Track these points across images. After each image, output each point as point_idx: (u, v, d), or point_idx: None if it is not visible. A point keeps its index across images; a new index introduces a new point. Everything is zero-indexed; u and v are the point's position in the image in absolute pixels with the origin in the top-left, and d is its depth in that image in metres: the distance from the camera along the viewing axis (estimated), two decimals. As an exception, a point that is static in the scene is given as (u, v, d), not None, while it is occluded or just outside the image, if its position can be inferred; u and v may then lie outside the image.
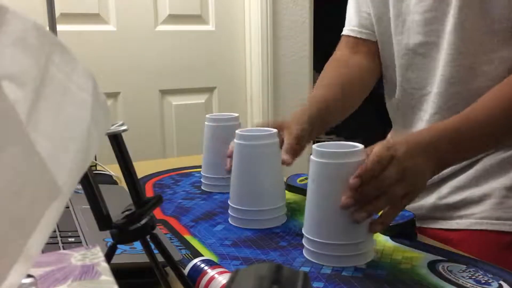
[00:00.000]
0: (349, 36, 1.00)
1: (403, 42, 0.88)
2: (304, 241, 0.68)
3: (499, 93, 0.73)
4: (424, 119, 0.87)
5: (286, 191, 0.88)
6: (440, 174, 0.84)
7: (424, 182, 0.67)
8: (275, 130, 0.80)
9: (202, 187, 0.99)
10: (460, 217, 0.83)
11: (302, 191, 0.92)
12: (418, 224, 0.78)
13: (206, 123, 0.98)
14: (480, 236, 0.80)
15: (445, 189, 0.85)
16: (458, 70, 0.80)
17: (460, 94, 0.81)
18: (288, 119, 0.88)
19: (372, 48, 0.97)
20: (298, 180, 0.99)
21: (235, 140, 0.80)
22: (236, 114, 0.98)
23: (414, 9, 0.84)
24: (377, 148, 0.64)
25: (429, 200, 0.86)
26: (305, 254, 0.67)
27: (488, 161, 0.82)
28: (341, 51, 1.01)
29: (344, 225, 0.64)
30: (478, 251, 0.71)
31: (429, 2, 0.82)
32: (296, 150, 0.81)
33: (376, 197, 0.63)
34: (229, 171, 0.84)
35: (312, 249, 0.66)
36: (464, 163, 0.83)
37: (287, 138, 0.82)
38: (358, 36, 0.98)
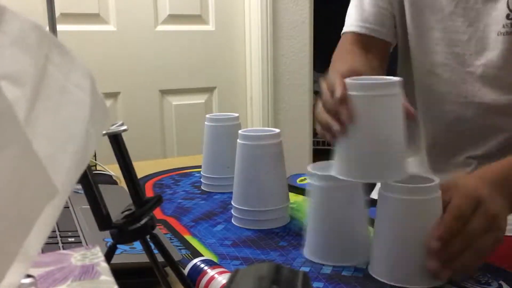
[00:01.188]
0: (358, 33, 0.91)
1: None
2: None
3: None
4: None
5: (286, 191, 0.88)
6: None
7: (506, 222, 0.60)
8: (278, 130, 0.79)
9: (202, 187, 0.99)
10: None
11: (302, 191, 0.92)
12: None
13: (206, 123, 0.98)
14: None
15: None
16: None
17: None
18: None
19: (384, 48, 0.92)
20: (298, 180, 0.99)
21: (238, 141, 0.79)
22: (236, 114, 0.98)
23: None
24: (457, 198, 0.57)
25: None
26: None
27: None
28: (351, 47, 0.92)
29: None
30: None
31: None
32: None
33: (462, 251, 0.56)
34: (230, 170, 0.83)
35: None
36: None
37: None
38: (372, 34, 0.90)
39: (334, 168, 0.62)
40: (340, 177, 0.61)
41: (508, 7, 0.76)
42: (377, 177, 0.61)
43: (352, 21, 0.93)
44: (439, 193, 0.57)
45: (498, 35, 0.77)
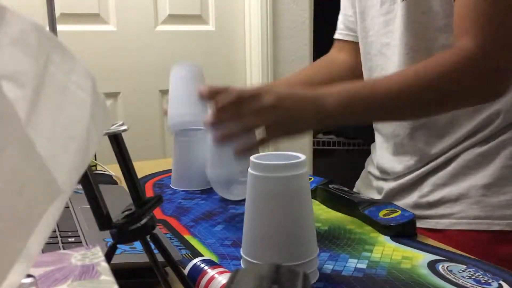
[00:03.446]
0: (337, 39, 1.08)
1: (368, 43, 0.92)
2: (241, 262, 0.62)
3: (412, 66, 0.76)
4: None
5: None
6: (422, 170, 0.86)
7: (302, 121, 0.71)
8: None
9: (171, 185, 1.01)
10: (440, 216, 0.84)
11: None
12: None
13: (176, 137, 1.01)
14: (459, 236, 0.81)
15: (426, 187, 0.86)
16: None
17: None
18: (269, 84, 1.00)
19: (357, 48, 1.02)
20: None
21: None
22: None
23: (377, 12, 0.88)
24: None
25: (412, 198, 0.87)
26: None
27: (467, 156, 0.82)
28: (330, 53, 1.11)
29: (279, 243, 0.57)
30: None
31: (386, 5, 0.85)
32: None
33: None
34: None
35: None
36: (442, 158, 0.84)
37: None
38: (345, 38, 1.05)
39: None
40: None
41: None
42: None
43: (336, 32, 1.09)
44: (302, 171, 0.58)
45: (401, 1, 0.81)
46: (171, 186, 1.02)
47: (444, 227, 0.83)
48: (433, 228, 0.84)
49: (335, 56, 1.08)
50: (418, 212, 0.84)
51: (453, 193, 0.82)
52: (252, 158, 0.60)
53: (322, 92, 0.72)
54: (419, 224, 0.83)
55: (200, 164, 0.95)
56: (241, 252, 0.62)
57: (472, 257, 0.67)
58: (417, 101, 0.73)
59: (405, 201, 0.87)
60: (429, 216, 0.85)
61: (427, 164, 0.86)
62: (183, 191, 0.98)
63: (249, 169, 0.60)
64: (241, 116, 0.69)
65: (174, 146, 1.01)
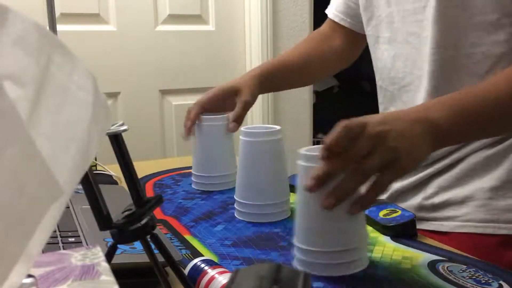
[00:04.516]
0: (332, 20, 1.07)
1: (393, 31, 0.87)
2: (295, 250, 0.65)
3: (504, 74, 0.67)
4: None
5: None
6: (427, 172, 0.83)
7: (417, 151, 0.58)
8: (278, 127, 0.82)
9: (193, 186, 1.00)
10: (445, 218, 0.82)
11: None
12: None
13: (196, 122, 0.99)
14: (464, 239, 0.79)
15: (430, 188, 0.84)
16: (439, 65, 0.78)
17: (440, 89, 0.78)
18: (240, 81, 0.99)
19: (350, 36, 1.04)
20: (298, 180, 0.99)
21: (240, 137, 0.83)
22: (226, 114, 0.99)
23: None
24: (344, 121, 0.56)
25: (416, 200, 0.85)
26: (295, 263, 0.65)
27: (473, 159, 0.80)
28: (323, 29, 1.11)
29: (331, 231, 0.60)
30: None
31: None
32: (242, 117, 0.95)
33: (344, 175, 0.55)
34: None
35: (302, 257, 0.63)
36: (448, 160, 0.81)
37: (238, 106, 0.95)
38: (341, 23, 1.05)
39: None
40: None
41: None
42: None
43: (331, 7, 1.08)
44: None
45: None
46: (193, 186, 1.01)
47: (449, 230, 0.81)
48: (438, 230, 0.82)
49: (330, 35, 1.09)
50: (422, 214, 0.83)
51: (458, 195, 0.80)
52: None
53: (426, 109, 0.62)
54: (424, 226, 0.83)
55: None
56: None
57: (472, 257, 0.67)
58: None
59: (409, 203, 0.86)
60: (434, 218, 0.83)
61: (432, 165, 0.83)
62: (183, 191, 0.98)
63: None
64: (355, 158, 0.56)
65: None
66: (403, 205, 0.84)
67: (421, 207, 0.84)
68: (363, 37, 0.98)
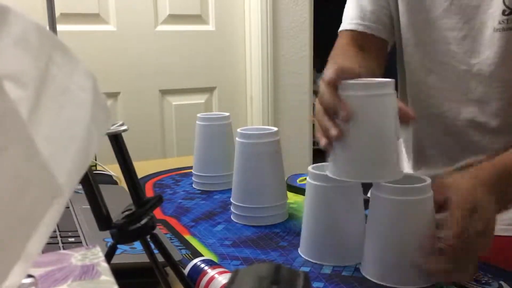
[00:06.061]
0: (355, 31, 0.91)
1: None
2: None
3: None
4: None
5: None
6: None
7: (495, 223, 0.60)
8: (275, 129, 0.81)
9: (194, 186, 1.00)
10: None
11: (302, 191, 0.92)
12: None
13: (197, 122, 0.99)
14: (509, 242, 0.78)
15: None
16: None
17: None
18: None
19: (381, 47, 0.91)
20: (298, 180, 0.99)
21: (236, 139, 0.81)
22: (227, 114, 0.99)
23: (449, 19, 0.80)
24: (456, 202, 0.56)
25: None
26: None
27: None
28: (347, 46, 0.91)
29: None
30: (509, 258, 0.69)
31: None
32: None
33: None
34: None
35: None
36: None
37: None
38: (369, 31, 0.89)
39: (329, 168, 0.62)
40: (334, 177, 0.61)
41: (504, 3, 0.75)
42: (371, 177, 0.60)
43: (349, 19, 0.92)
44: (431, 193, 0.57)
45: (494, 31, 0.76)
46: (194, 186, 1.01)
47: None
48: None
49: (361, 52, 0.90)
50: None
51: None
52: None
53: (502, 176, 0.63)
54: None
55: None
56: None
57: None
58: None
59: None
60: None
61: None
62: (183, 191, 0.98)
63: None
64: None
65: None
66: None
67: None
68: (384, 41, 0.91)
